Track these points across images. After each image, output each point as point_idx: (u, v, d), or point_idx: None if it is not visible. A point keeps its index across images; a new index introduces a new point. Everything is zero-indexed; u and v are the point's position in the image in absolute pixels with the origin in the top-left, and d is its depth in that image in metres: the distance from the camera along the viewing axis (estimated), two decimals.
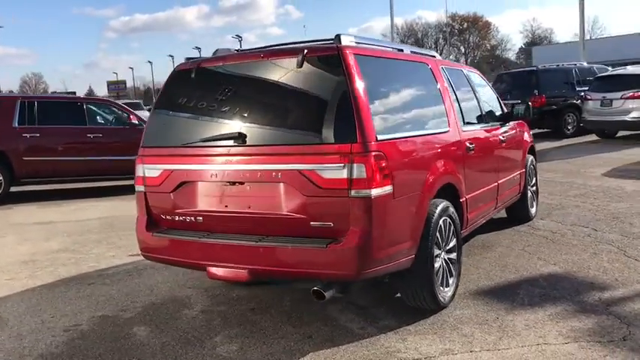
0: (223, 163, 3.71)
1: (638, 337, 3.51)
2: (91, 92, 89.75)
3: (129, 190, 6.58)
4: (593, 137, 15.43)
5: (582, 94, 15.15)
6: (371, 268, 3.45)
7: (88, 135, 10.46)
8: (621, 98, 13.58)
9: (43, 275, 5.52)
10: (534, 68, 17.62)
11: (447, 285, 4.11)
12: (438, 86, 4.64)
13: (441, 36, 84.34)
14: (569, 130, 16.05)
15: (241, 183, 3.67)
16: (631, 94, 13.46)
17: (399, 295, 4.12)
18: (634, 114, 13.42)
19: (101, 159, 10.38)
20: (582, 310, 3.96)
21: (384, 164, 3.44)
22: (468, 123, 4.95)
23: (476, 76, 5.86)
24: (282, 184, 3.54)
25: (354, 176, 3.33)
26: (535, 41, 76.89)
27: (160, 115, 4.26)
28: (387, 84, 4.08)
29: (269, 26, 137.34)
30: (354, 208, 3.36)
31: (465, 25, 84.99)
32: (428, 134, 4.21)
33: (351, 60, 3.55)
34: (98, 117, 11.03)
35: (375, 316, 4.05)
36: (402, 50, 4.67)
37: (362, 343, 3.64)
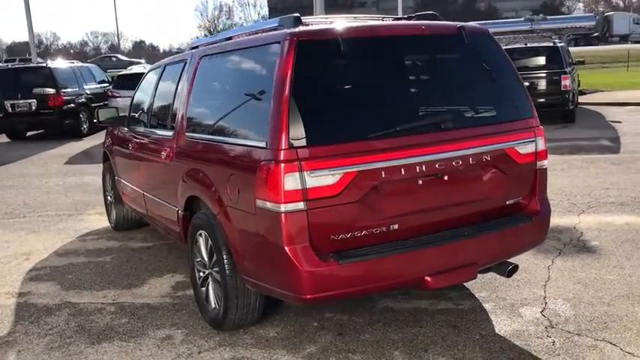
0: (429, 153, 3.16)
1: (567, 249, 4.98)
2: None
3: None
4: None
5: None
6: None
7: None
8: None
9: None
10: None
11: None
12: None
13: None
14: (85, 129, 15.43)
15: (442, 173, 3.23)
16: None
17: None
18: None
19: None
20: None
21: None
22: None
23: None
24: (488, 166, 3.41)
25: (538, 149, 3.59)
26: None
27: (308, 99, 3.02)
28: None
29: None
30: (540, 178, 3.64)
31: None
32: None
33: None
34: None
35: (439, 297, 4.08)
36: None
37: (491, 319, 3.79)
